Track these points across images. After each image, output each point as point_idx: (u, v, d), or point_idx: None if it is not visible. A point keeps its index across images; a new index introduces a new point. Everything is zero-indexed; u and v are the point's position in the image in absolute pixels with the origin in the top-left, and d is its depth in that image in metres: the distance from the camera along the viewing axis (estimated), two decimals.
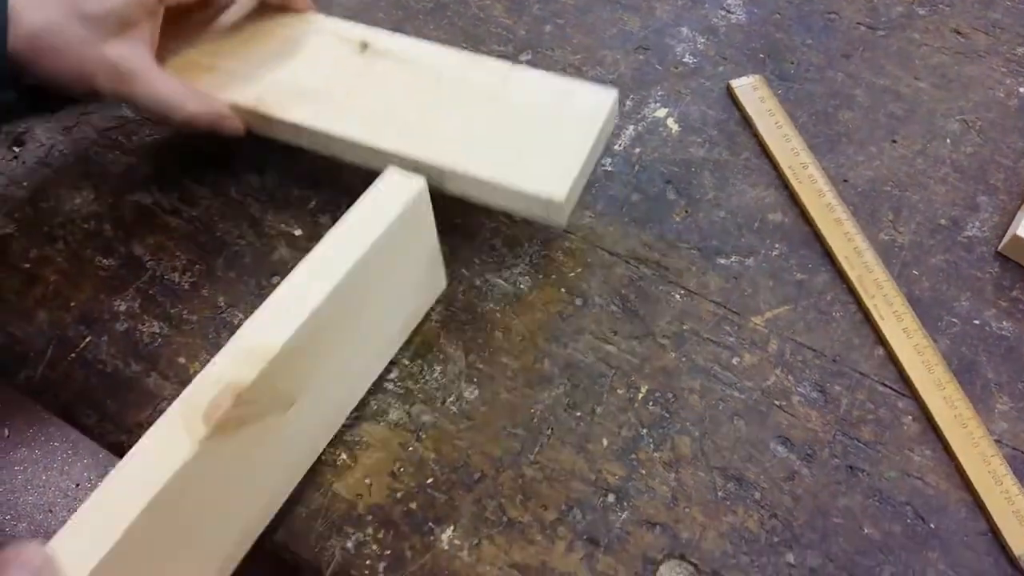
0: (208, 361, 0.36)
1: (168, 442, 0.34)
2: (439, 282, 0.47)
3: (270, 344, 0.36)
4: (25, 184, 0.52)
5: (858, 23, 0.56)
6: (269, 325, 0.37)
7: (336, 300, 0.38)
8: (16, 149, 0.54)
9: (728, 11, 0.57)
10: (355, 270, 0.39)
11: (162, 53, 0.48)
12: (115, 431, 0.44)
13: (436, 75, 0.47)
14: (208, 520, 0.36)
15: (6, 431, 0.45)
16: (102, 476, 0.43)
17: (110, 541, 0.31)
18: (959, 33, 0.55)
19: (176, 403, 0.35)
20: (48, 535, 0.43)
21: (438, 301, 0.47)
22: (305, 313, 0.37)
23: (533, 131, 0.45)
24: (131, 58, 0.44)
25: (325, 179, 0.51)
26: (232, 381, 0.35)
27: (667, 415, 0.44)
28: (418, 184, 0.41)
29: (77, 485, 0.47)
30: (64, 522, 0.32)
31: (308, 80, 0.48)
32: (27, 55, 0.42)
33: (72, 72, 0.44)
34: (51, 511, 0.42)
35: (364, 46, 0.49)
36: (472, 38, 0.56)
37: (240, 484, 0.38)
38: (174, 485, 0.33)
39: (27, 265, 0.49)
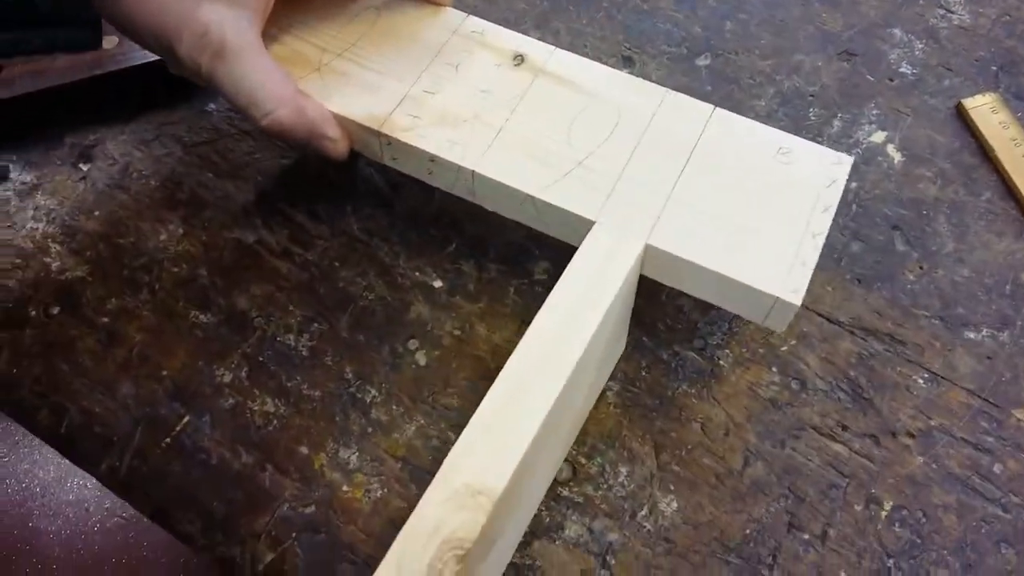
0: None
1: None
2: (620, 347, 0.38)
3: (494, 483, 0.27)
4: (97, 213, 0.43)
5: None
6: (489, 452, 0.28)
7: (560, 402, 0.29)
8: (83, 167, 0.44)
9: (949, 10, 0.46)
10: (581, 360, 0.30)
11: (268, 33, 0.37)
12: (225, 543, 0.36)
13: (616, 111, 0.37)
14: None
15: None
16: None
17: None
18: None
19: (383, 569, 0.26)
20: (85, 532, 0.35)
21: (614, 377, 0.38)
22: (533, 431, 0.28)
23: (747, 204, 0.34)
24: (227, 28, 0.34)
25: (467, 216, 0.42)
26: (453, 534, 0.26)
27: (918, 540, 0.35)
28: (638, 247, 0.32)
29: None
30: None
31: (449, 99, 0.37)
32: None
33: (154, 24, 0.34)
34: (87, 509, 0.35)
35: (519, 59, 0.38)
36: (635, 36, 0.45)
37: None
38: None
39: (105, 319, 0.40)
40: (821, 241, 0.33)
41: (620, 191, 0.34)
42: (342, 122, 0.37)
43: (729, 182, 0.34)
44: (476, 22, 0.39)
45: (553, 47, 0.38)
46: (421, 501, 0.27)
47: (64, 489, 0.38)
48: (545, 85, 0.37)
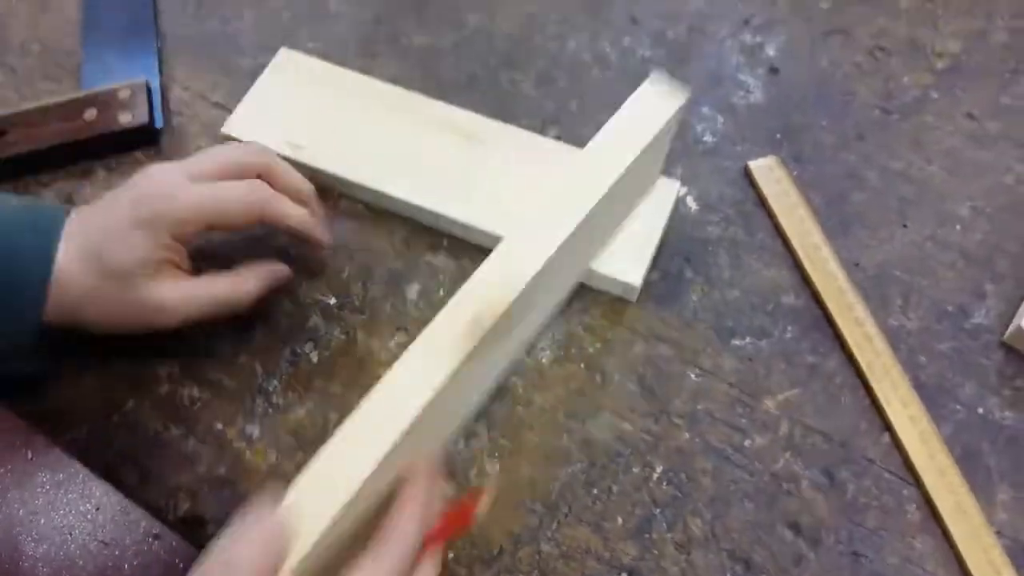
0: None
1: (426, 365, 0.36)
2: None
3: (526, 270, 0.38)
4: None
5: (874, 105, 0.58)
6: (529, 242, 0.39)
7: (584, 225, 0.41)
8: None
9: (748, 91, 0.59)
10: (609, 192, 0.42)
11: None
12: (154, 494, 0.47)
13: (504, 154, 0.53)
14: (424, 442, 0.39)
15: (29, 453, 0.48)
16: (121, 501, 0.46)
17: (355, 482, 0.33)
18: (972, 117, 0.57)
19: (441, 316, 0.37)
20: (68, 558, 0.46)
21: None
22: (561, 237, 0.39)
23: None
24: (163, 292, 0.45)
25: (357, 248, 0.54)
26: (496, 298, 0.38)
27: (680, 495, 0.46)
28: (679, 101, 0.45)
29: (97, 509, 0.49)
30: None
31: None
32: (68, 320, 0.45)
33: (116, 323, 0.46)
34: (71, 534, 0.45)
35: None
36: (503, 111, 0.58)
37: (449, 413, 0.42)
38: (427, 409, 0.35)
39: None
40: (655, 244, 0.51)
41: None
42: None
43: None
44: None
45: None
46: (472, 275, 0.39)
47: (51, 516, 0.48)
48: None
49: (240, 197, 0.46)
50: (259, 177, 0.47)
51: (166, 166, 0.46)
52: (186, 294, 0.46)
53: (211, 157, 0.47)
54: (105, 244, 0.44)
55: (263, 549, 0.31)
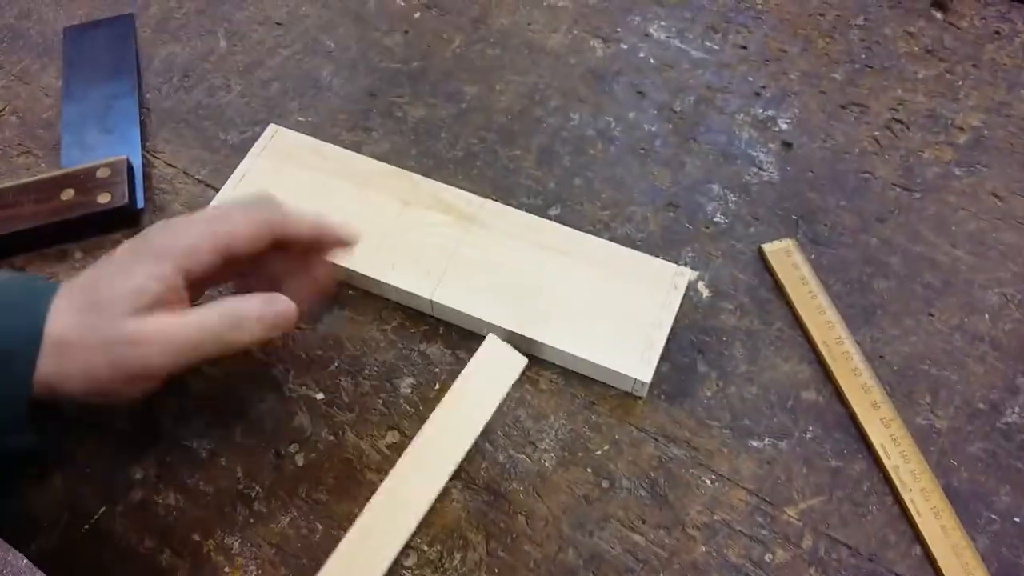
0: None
1: None
2: None
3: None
4: None
5: (893, 184, 0.55)
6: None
7: None
8: None
9: (760, 168, 0.56)
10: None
11: None
12: None
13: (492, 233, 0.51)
14: None
15: None
16: None
17: None
18: (997, 196, 0.54)
19: None
20: None
21: (458, 477, 0.46)
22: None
23: (614, 306, 0.49)
24: (145, 326, 0.39)
25: (348, 339, 0.50)
26: None
27: None
28: (522, 363, 0.48)
29: None
30: None
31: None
32: (54, 386, 0.40)
33: (97, 378, 0.40)
34: None
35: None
36: (502, 189, 0.55)
37: None
38: None
39: None
40: (664, 336, 0.48)
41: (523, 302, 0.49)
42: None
43: (604, 291, 0.49)
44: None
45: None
46: None
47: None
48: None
49: (247, 215, 0.42)
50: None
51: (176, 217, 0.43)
52: (170, 326, 0.39)
53: (220, 207, 0.44)
54: (100, 280, 0.40)
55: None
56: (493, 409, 0.47)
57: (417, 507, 0.44)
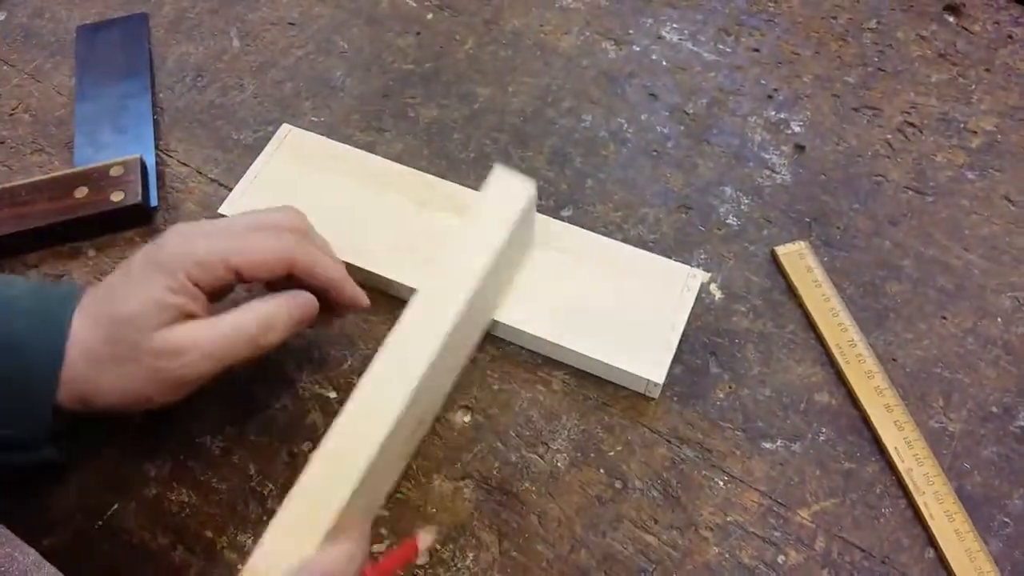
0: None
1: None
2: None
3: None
4: None
5: (906, 187, 0.55)
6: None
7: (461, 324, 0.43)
8: None
9: (773, 170, 0.56)
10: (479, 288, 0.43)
11: None
12: None
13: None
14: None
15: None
16: None
17: None
18: (1009, 200, 0.54)
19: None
20: None
21: (471, 476, 0.46)
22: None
23: (627, 308, 0.49)
24: (177, 336, 0.40)
25: (361, 339, 0.50)
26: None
27: None
28: (530, 188, 0.46)
29: None
30: None
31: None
32: (84, 399, 0.40)
33: (133, 390, 0.41)
34: None
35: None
36: None
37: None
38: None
39: None
40: (677, 337, 0.48)
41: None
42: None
43: (617, 292, 0.49)
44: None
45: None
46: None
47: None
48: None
49: (268, 242, 0.42)
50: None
51: (195, 221, 0.43)
52: (206, 333, 0.40)
53: (244, 216, 0.44)
54: (117, 294, 0.40)
55: None
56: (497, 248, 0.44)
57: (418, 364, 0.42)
